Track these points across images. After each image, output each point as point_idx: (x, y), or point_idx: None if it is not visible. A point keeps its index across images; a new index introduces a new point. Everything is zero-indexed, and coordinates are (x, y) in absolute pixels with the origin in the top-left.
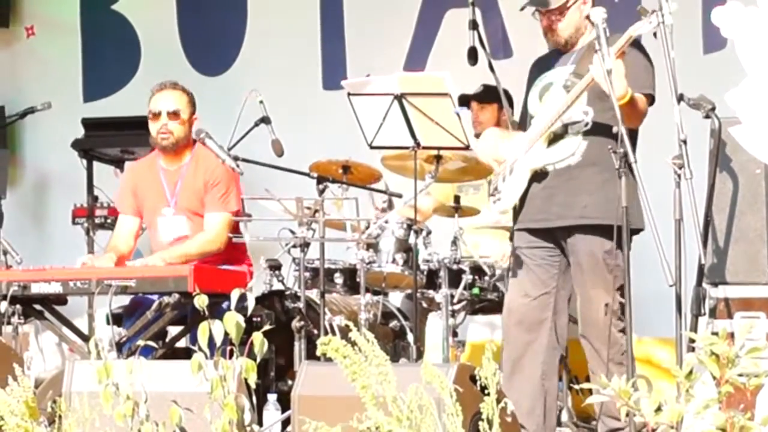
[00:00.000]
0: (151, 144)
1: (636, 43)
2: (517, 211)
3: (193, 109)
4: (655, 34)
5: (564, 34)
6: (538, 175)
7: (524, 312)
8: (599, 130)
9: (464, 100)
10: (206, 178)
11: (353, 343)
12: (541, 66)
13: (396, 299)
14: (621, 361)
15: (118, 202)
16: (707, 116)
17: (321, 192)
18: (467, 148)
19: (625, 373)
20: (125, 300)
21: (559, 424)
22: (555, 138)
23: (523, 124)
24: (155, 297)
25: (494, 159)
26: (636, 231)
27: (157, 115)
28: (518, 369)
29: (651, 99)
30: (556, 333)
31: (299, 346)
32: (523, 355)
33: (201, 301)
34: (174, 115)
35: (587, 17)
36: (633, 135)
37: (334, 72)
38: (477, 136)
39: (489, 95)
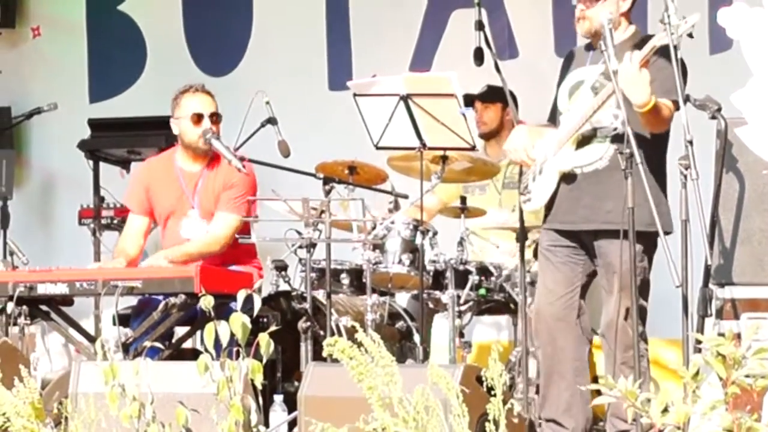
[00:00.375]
0: (186, 144)
1: (663, 51)
2: (546, 211)
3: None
4: (690, 35)
5: (595, 23)
6: (567, 178)
7: (552, 312)
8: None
9: (468, 100)
10: (225, 180)
11: (359, 344)
12: (573, 61)
13: (402, 300)
14: (632, 366)
15: (129, 200)
16: (713, 117)
17: (327, 193)
18: (473, 148)
19: (639, 377)
20: (132, 301)
21: None
22: (583, 141)
23: (552, 119)
24: (162, 298)
25: (523, 160)
26: (666, 233)
27: (199, 118)
28: (554, 369)
29: (676, 105)
30: (582, 330)
31: (305, 347)
32: (554, 355)
33: (207, 302)
34: (215, 117)
35: (624, 14)
36: (660, 138)
37: (340, 72)
38: (481, 136)
39: (493, 95)
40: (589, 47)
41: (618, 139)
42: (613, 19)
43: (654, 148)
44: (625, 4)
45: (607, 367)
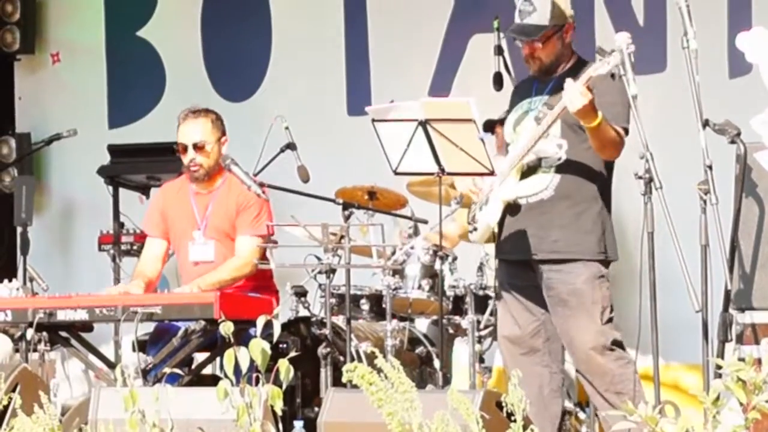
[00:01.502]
0: (184, 171)
1: (606, 79)
2: (496, 241)
3: (221, 130)
4: (612, 75)
5: (546, 62)
6: (511, 208)
7: (517, 340)
8: (573, 163)
9: (489, 125)
10: (239, 201)
11: (379, 370)
12: (521, 92)
13: (422, 325)
14: (620, 390)
15: (146, 225)
16: (733, 141)
17: (347, 218)
18: (492, 173)
19: (630, 401)
20: (151, 327)
21: None
22: (528, 171)
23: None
24: (180, 324)
25: (470, 189)
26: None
27: (184, 149)
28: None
29: (626, 131)
30: (550, 358)
31: (325, 373)
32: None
33: (227, 328)
34: (200, 147)
35: (567, 45)
36: (608, 166)
37: (359, 98)
38: None
39: None
40: (535, 79)
41: (562, 168)
42: (560, 55)
43: (600, 178)
44: (568, 35)
45: (593, 401)
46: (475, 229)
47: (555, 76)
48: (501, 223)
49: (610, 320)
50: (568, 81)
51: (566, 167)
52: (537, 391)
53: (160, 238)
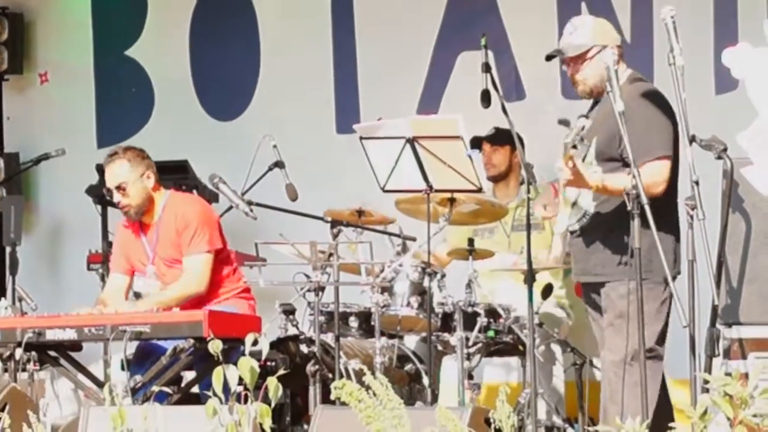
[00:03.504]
0: None
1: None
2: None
3: (143, 165)
4: (574, 146)
5: (587, 84)
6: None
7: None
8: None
9: (477, 142)
10: (177, 225)
11: (368, 387)
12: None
13: (411, 342)
14: (617, 401)
15: (111, 260)
16: (719, 157)
17: (335, 236)
18: (479, 190)
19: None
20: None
21: None
22: (573, 201)
23: None
24: (163, 343)
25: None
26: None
27: (110, 192)
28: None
29: (664, 158)
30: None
31: (314, 391)
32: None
33: (215, 347)
34: (122, 189)
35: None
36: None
37: (347, 116)
38: (490, 178)
39: (502, 137)
40: (594, 102)
41: (598, 197)
42: (603, 76)
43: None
44: (613, 57)
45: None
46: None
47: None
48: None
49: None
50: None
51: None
52: None
53: (122, 273)
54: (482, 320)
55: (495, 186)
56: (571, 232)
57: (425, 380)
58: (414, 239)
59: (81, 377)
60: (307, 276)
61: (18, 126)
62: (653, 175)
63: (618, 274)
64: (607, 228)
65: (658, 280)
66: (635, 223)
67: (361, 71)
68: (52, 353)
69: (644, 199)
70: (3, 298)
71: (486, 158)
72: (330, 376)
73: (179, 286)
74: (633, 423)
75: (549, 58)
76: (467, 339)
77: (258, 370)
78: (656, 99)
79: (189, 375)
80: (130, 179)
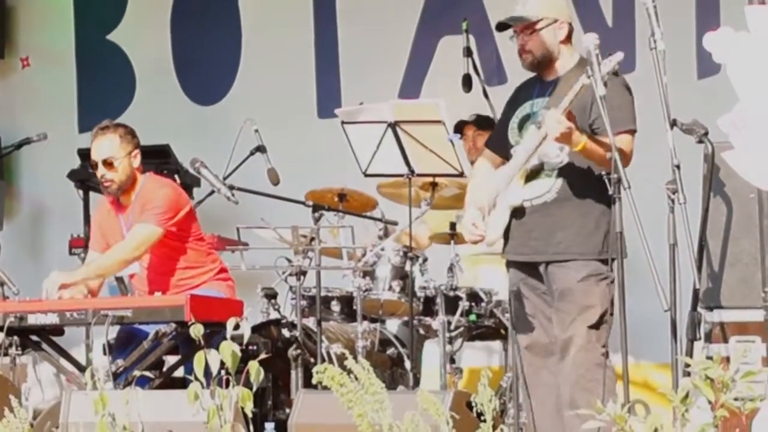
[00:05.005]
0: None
1: (608, 83)
2: (503, 244)
3: (132, 144)
4: (615, 73)
5: (536, 55)
6: (517, 211)
7: (534, 338)
8: (575, 166)
9: (460, 126)
10: (141, 201)
11: (350, 371)
12: (523, 93)
13: (393, 326)
14: (587, 387)
15: (91, 238)
16: (700, 141)
17: (317, 220)
18: (461, 174)
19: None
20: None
21: None
22: (532, 174)
23: (498, 148)
24: (144, 328)
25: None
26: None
27: (95, 165)
28: (532, 394)
29: (630, 133)
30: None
31: (296, 375)
32: (535, 382)
33: (197, 331)
34: (108, 164)
35: (563, 41)
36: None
37: (328, 100)
38: (473, 162)
39: (486, 121)
40: (537, 80)
41: (563, 172)
42: (551, 49)
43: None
44: (562, 32)
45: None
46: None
47: (558, 76)
48: (508, 227)
49: (602, 320)
50: (550, 110)
51: (568, 170)
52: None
53: (99, 251)
54: (464, 304)
55: None
56: (522, 210)
57: (407, 364)
58: (396, 223)
59: (63, 362)
60: (289, 260)
61: None
62: (624, 147)
63: (587, 254)
64: (576, 203)
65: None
66: (616, 207)
67: (342, 56)
68: (34, 338)
69: (626, 183)
70: None
71: (470, 142)
72: (312, 360)
73: (116, 249)
74: (614, 407)
75: (500, 26)
76: (449, 323)
77: (239, 354)
78: (616, 79)
79: (171, 359)
80: (119, 155)
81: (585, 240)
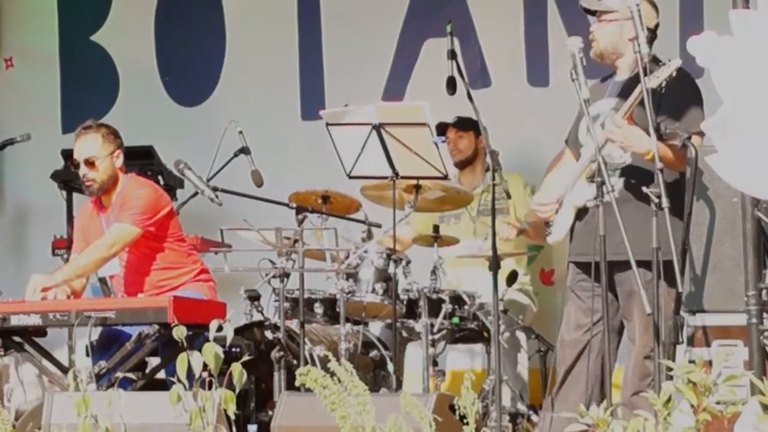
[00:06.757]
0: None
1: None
2: (570, 244)
3: (115, 144)
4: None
5: (600, 44)
6: (581, 211)
7: (575, 339)
8: (637, 167)
9: (442, 128)
10: (120, 202)
11: (333, 374)
12: (598, 91)
13: (376, 329)
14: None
15: (73, 241)
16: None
17: (300, 222)
18: (445, 177)
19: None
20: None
21: None
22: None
23: (573, 143)
24: (126, 329)
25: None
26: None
27: (77, 164)
28: (569, 388)
29: (698, 135)
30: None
31: (279, 377)
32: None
33: (179, 332)
34: (90, 163)
35: (632, 40)
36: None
37: (312, 102)
38: (456, 164)
39: (467, 123)
40: (610, 78)
41: (626, 171)
42: (616, 43)
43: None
44: (628, 30)
45: (623, 393)
46: (550, 233)
47: (629, 77)
48: (572, 227)
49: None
50: (612, 113)
51: (630, 170)
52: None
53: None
54: (447, 307)
55: (461, 172)
56: (585, 210)
57: (390, 367)
58: (379, 226)
59: (45, 363)
60: (273, 262)
61: None
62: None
63: (648, 255)
64: (637, 204)
65: None
66: (600, 211)
67: (326, 57)
68: (17, 338)
69: (609, 187)
70: None
71: (452, 144)
72: (295, 362)
73: (92, 248)
74: (597, 410)
75: (586, 9)
76: (432, 325)
77: (222, 356)
78: (687, 79)
79: (154, 361)
80: (101, 155)
81: (646, 241)
